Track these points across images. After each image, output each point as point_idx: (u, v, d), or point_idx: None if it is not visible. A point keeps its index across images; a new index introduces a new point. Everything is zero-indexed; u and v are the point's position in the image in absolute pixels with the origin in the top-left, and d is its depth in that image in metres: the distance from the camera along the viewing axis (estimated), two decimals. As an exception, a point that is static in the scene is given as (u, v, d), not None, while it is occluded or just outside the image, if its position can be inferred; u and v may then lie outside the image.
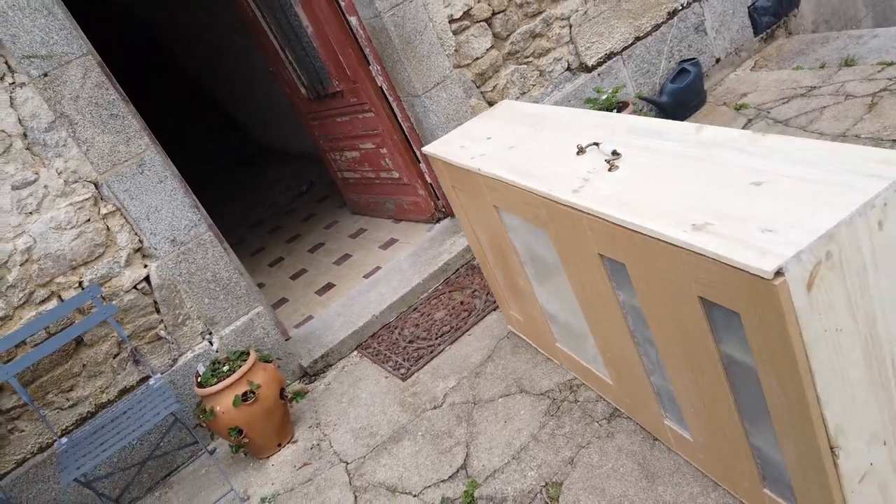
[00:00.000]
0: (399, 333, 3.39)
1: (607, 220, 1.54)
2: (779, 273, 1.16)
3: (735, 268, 1.20)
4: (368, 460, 2.63)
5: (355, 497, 2.48)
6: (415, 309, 3.53)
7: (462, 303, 3.39)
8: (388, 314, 3.54)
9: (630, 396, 2.11)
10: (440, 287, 3.62)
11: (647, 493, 1.99)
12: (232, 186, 7.48)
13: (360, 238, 4.57)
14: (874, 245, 1.23)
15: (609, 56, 4.15)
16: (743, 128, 3.76)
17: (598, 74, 4.11)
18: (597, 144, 1.88)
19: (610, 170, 1.72)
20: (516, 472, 2.26)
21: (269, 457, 2.95)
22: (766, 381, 1.34)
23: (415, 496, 2.36)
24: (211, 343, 3.20)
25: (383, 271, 3.93)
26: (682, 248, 1.32)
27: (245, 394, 2.78)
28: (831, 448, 1.33)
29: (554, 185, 1.78)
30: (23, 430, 2.89)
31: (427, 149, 2.57)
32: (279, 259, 4.90)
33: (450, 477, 2.37)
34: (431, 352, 3.13)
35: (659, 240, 1.38)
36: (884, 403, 1.36)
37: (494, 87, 3.84)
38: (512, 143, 2.22)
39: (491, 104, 3.82)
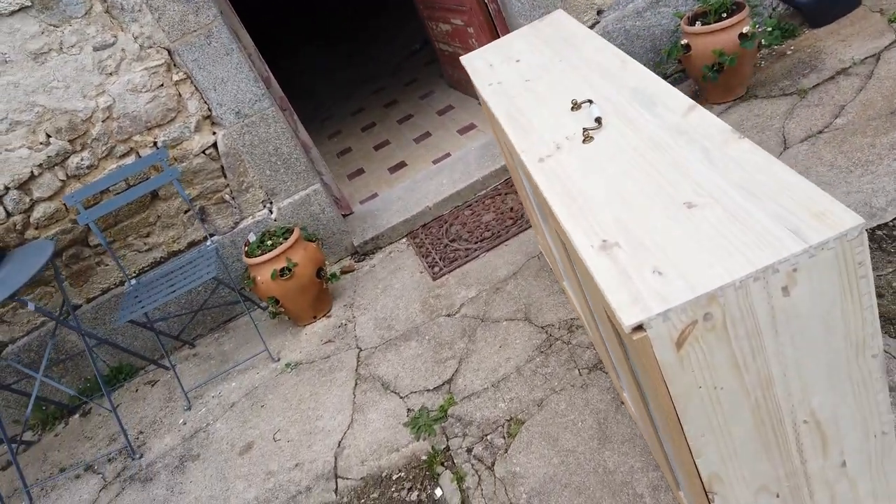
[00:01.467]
0: (446, 230, 3.43)
1: (549, 207, 1.45)
2: (640, 328, 1.06)
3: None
4: (378, 352, 2.83)
5: (355, 384, 2.71)
6: (468, 206, 3.53)
7: (512, 209, 3.34)
8: (442, 206, 3.57)
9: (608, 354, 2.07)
10: (499, 187, 3.56)
11: (593, 454, 2.01)
12: (364, 34, 7.48)
13: (444, 116, 4.50)
14: (774, 309, 1.08)
15: (745, -59, 3.52)
16: (887, 46, 3.14)
17: (726, -37, 3.53)
18: (590, 102, 1.70)
19: (584, 141, 1.57)
20: (489, 401, 2.34)
21: (304, 326, 3.24)
22: (656, 413, 1.28)
23: (401, 398, 2.53)
24: (270, 212, 3.44)
25: (451, 159, 3.90)
26: (584, 261, 1.23)
27: (282, 269, 3.02)
28: (706, 492, 1.27)
29: (529, 147, 1.66)
30: (107, 265, 3.36)
31: (463, 59, 2.43)
32: (371, 125, 4.99)
33: (435, 388, 2.50)
34: (466, 256, 3.17)
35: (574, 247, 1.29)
36: (778, 460, 1.26)
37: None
38: (529, 76, 2.05)
39: (587, -9, 3.45)
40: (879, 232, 2.24)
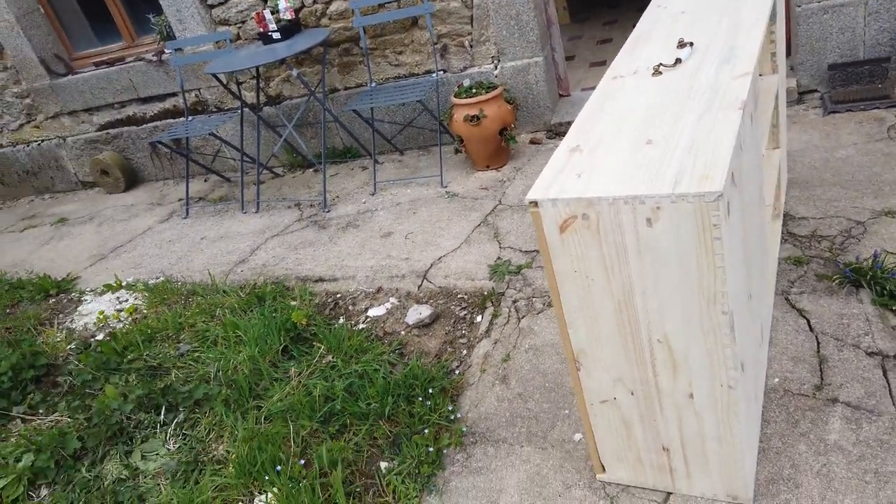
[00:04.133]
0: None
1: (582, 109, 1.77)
2: (535, 204, 1.43)
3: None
4: (509, 210, 3.32)
5: (478, 224, 3.26)
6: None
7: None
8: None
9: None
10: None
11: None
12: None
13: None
14: (639, 233, 1.36)
15: None
16: None
17: None
18: (691, 45, 1.89)
19: (653, 74, 1.81)
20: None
21: (477, 170, 3.82)
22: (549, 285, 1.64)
23: (501, 247, 3.04)
24: (495, 67, 3.94)
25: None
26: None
27: (473, 116, 3.57)
28: (574, 359, 1.64)
29: (620, 65, 1.94)
30: (363, 66, 4.21)
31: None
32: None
33: (526, 251, 2.96)
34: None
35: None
36: (635, 364, 1.56)
37: (908, -74, 3.07)
38: (689, 9, 2.21)
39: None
40: None
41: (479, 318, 2.64)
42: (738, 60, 1.74)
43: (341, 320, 2.81)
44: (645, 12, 2.30)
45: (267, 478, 1.98)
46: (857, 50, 3.27)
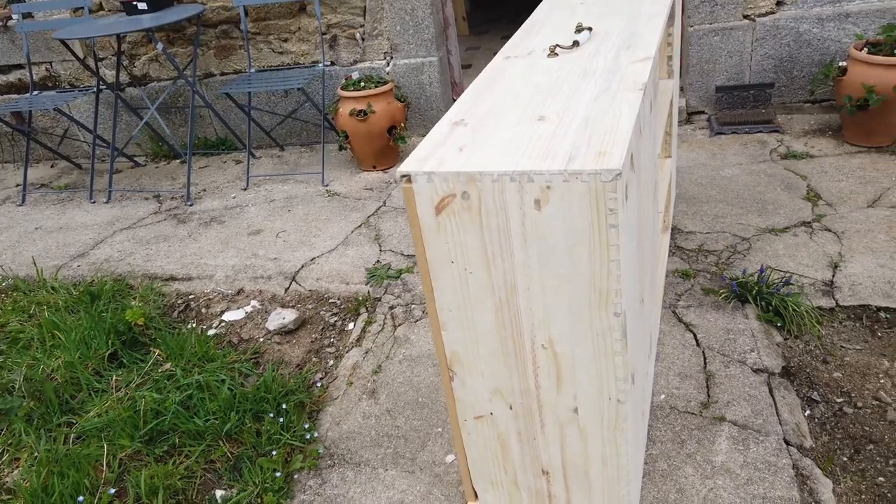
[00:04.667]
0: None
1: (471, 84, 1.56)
2: (408, 179, 1.20)
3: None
4: (393, 212, 3.08)
5: (359, 226, 2.99)
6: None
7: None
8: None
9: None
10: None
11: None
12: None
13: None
14: (525, 217, 1.15)
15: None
16: None
17: (949, 4, 3.08)
18: (589, 30, 1.74)
19: (549, 55, 1.64)
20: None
21: (363, 171, 3.56)
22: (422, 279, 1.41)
23: (381, 251, 2.79)
24: (387, 64, 3.72)
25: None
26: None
27: (360, 111, 3.31)
28: (448, 366, 1.41)
29: (515, 45, 1.76)
30: (244, 52, 3.86)
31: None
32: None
33: (409, 255, 2.72)
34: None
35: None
36: (515, 374, 1.35)
37: (791, -42, 3.15)
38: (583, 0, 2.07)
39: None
40: (884, 314, 2.05)
41: (350, 326, 2.37)
42: (639, 46, 1.60)
43: (191, 324, 2.44)
44: (542, 2, 2.15)
45: (67, 511, 1.59)
46: (743, 74, 3.32)
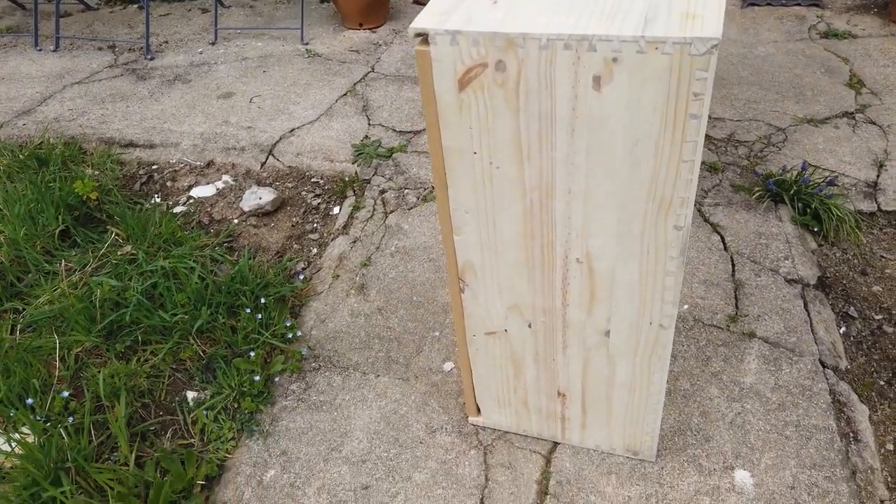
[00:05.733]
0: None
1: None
2: (425, 39, 0.90)
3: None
4: (384, 79, 2.73)
5: (344, 94, 2.66)
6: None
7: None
8: None
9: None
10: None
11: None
12: None
13: None
14: (577, 99, 0.88)
15: None
16: None
17: None
18: None
19: None
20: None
21: (348, 28, 3.14)
22: (433, 173, 1.15)
23: (370, 125, 2.48)
24: None
25: None
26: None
27: (346, -44, 2.86)
28: (459, 276, 1.18)
29: None
30: None
31: None
32: None
33: (401, 132, 2.43)
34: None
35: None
36: (539, 285, 1.13)
37: None
38: None
39: None
40: (926, 223, 1.85)
41: (336, 210, 2.12)
42: None
43: (155, 199, 2.17)
44: None
45: (14, 413, 1.40)
46: (787, -66, 2.90)
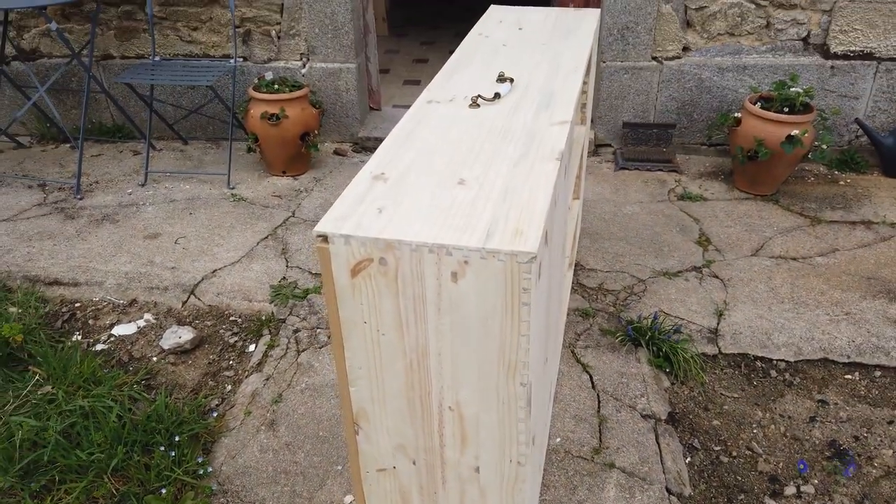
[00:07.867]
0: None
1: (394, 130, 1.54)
2: (325, 239, 1.17)
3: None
4: (303, 224, 3.01)
5: (265, 237, 2.91)
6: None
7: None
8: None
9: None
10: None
11: (380, 386, 2.14)
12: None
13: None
14: (441, 288, 1.16)
15: (863, 55, 3.33)
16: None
17: (833, 67, 3.35)
18: (511, 81, 1.76)
19: (470, 106, 1.65)
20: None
21: (272, 175, 3.45)
22: (332, 336, 1.39)
23: (288, 267, 2.72)
24: (303, 66, 3.61)
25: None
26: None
27: (272, 115, 3.21)
28: (354, 421, 1.40)
29: (438, 87, 1.75)
30: (148, 36, 3.64)
31: (492, 7, 2.48)
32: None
33: (316, 274, 2.67)
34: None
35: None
36: (420, 429, 1.36)
37: (701, 7, 3.33)
38: (512, 42, 2.10)
39: (688, 24, 3.35)
40: (760, 363, 2.21)
41: (252, 347, 2.30)
42: (558, 106, 1.64)
43: (77, 337, 2.29)
44: (466, 38, 2.16)
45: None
46: (649, 112, 3.48)
